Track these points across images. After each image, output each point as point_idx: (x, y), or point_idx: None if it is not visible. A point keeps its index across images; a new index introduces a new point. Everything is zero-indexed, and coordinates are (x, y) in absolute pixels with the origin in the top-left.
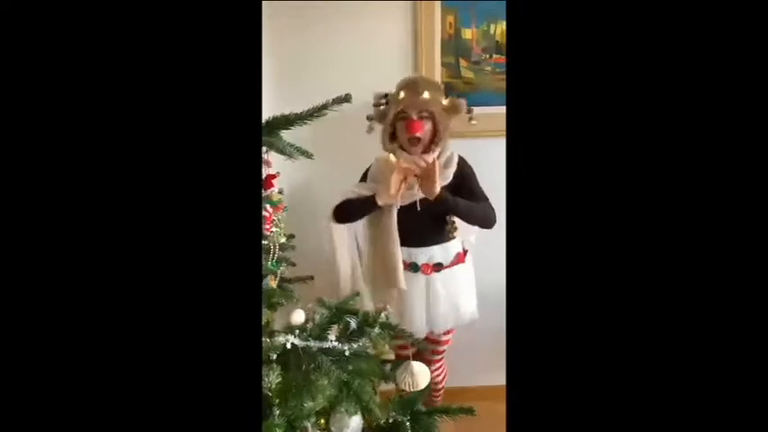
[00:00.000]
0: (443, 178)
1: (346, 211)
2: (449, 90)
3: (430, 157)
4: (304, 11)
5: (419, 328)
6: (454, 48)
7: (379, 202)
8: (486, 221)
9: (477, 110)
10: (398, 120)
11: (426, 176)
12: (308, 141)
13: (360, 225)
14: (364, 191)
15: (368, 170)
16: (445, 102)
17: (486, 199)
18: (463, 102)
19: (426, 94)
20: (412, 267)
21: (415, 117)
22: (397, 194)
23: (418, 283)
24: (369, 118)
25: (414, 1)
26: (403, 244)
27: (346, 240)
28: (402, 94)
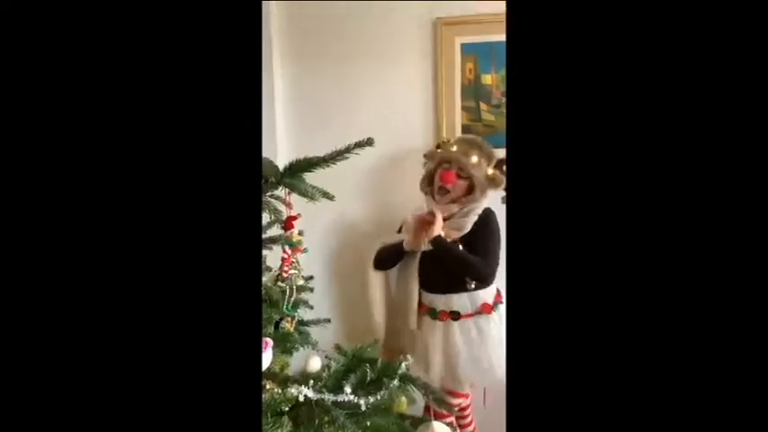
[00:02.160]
0: (459, 228)
1: (381, 258)
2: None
3: (455, 208)
4: (325, 55)
5: (436, 376)
6: (474, 92)
7: (405, 247)
8: (469, 272)
9: (497, 152)
10: (440, 166)
11: (424, 223)
12: (332, 184)
13: (393, 272)
14: (394, 242)
15: (399, 228)
16: (490, 172)
17: (486, 256)
18: (503, 178)
19: (474, 159)
20: (430, 313)
21: (453, 170)
22: (416, 240)
23: (436, 330)
24: (425, 156)
25: (434, 47)
26: (426, 289)
27: (381, 286)
28: (455, 147)
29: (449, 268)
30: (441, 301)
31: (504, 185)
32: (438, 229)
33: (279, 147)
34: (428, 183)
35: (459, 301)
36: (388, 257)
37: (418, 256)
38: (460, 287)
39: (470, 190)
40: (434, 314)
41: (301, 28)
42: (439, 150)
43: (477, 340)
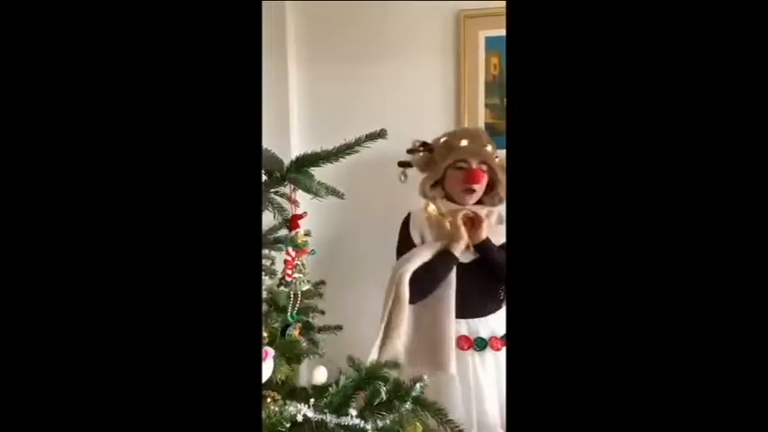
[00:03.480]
0: (499, 234)
1: (425, 282)
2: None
3: (484, 210)
4: (341, 52)
5: (494, 426)
6: (499, 89)
7: (457, 253)
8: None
9: None
10: (453, 168)
11: (475, 223)
12: (351, 184)
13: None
14: (426, 253)
15: (405, 231)
16: (498, 159)
17: None
18: None
19: (489, 148)
20: (477, 344)
21: (475, 166)
22: (473, 241)
23: (487, 364)
24: (402, 164)
25: (456, 41)
26: (462, 315)
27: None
28: (464, 143)
29: (499, 280)
30: (485, 326)
31: None
32: (486, 231)
33: (293, 152)
34: (432, 186)
35: (500, 323)
36: (435, 276)
37: (453, 273)
38: (497, 305)
39: (490, 185)
40: (483, 344)
41: (316, 25)
42: (422, 154)
43: None
